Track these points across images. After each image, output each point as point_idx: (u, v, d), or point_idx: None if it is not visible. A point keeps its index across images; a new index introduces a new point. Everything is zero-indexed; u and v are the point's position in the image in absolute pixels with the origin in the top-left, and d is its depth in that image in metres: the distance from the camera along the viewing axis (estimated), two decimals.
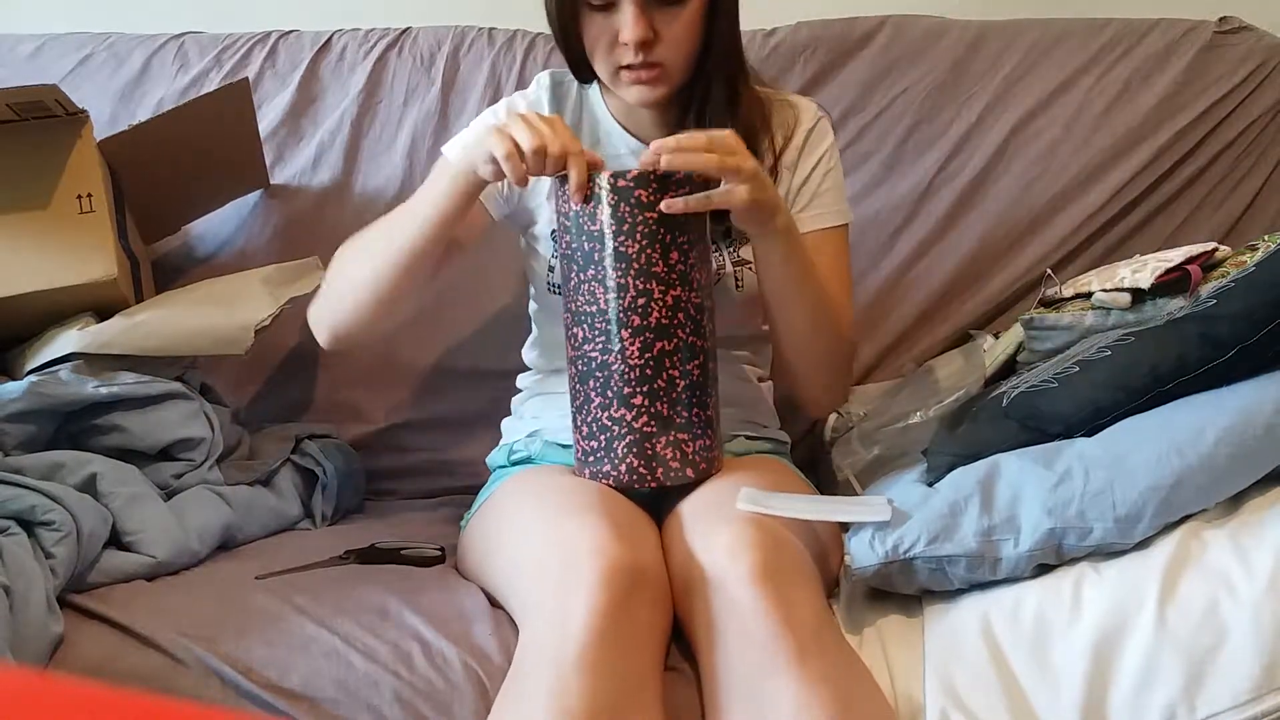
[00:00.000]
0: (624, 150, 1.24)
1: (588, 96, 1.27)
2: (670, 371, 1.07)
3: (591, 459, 1.10)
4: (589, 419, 1.09)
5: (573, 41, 1.15)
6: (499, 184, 1.19)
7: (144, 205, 1.44)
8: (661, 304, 1.05)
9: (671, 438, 1.08)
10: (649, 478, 1.08)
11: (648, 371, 1.06)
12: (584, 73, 1.20)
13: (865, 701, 0.89)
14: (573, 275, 1.07)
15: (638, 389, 1.06)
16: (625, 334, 1.05)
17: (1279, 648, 0.89)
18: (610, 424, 1.07)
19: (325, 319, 1.22)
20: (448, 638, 0.99)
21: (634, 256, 1.04)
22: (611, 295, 1.05)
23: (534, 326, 1.36)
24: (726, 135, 1.04)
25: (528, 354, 1.36)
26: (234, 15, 1.77)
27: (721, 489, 1.07)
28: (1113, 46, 1.62)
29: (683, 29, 1.12)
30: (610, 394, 1.07)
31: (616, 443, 1.08)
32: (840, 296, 1.22)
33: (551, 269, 1.23)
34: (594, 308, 1.06)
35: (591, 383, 1.08)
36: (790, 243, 1.11)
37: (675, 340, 1.06)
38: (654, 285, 1.04)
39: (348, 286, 1.20)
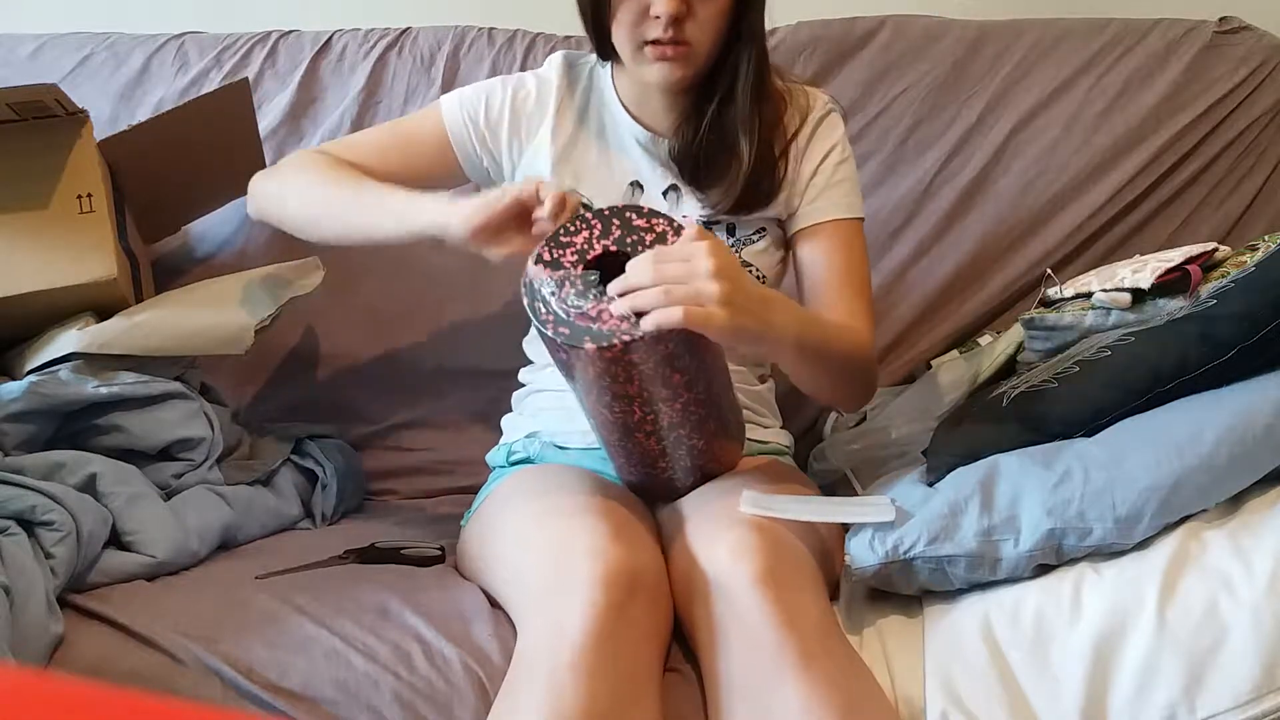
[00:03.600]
0: (630, 139, 1.24)
1: (598, 83, 1.26)
2: (715, 415, 1.05)
3: (650, 481, 1.11)
4: (639, 464, 1.10)
5: (601, 13, 1.13)
6: (480, 160, 1.26)
7: (144, 205, 1.44)
8: (696, 399, 1.01)
9: (720, 445, 1.10)
10: (711, 479, 1.12)
11: (698, 433, 1.05)
12: (607, 48, 1.17)
13: (870, 704, 0.89)
14: (606, 412, 1.02)
15: (693, 444, 1.08)
16: (678, 434, 1.04)
17: (1279, 648, 0.89)
18: (666, 466, 1.09)
19: (262, 204, 1.26)
20: (448, 638, 0.99)
21: (661, 386, 0.98)
22: (649, 426, 1.02)
23: None
24: (701, 248, 0.93)
25: (529, 348, 1.36)
26: (234, 15, 1.77)
27: (723, 491, 1.07)
28: (1113, 46, 1.63)
29: (715, 10, 1.11)
30: (664, 461, 1.08)
31: (675, 474, 1.10)
32: (855, 300, 1.19)
33: None
34: (636, 436, 1.04)
35: (640, 453, 1.07)
36: (799, 343, 1.04)
37: (711, 404, 1.04)
38: (684, 394, 1.00)
39: (294, 203, 1.23)
